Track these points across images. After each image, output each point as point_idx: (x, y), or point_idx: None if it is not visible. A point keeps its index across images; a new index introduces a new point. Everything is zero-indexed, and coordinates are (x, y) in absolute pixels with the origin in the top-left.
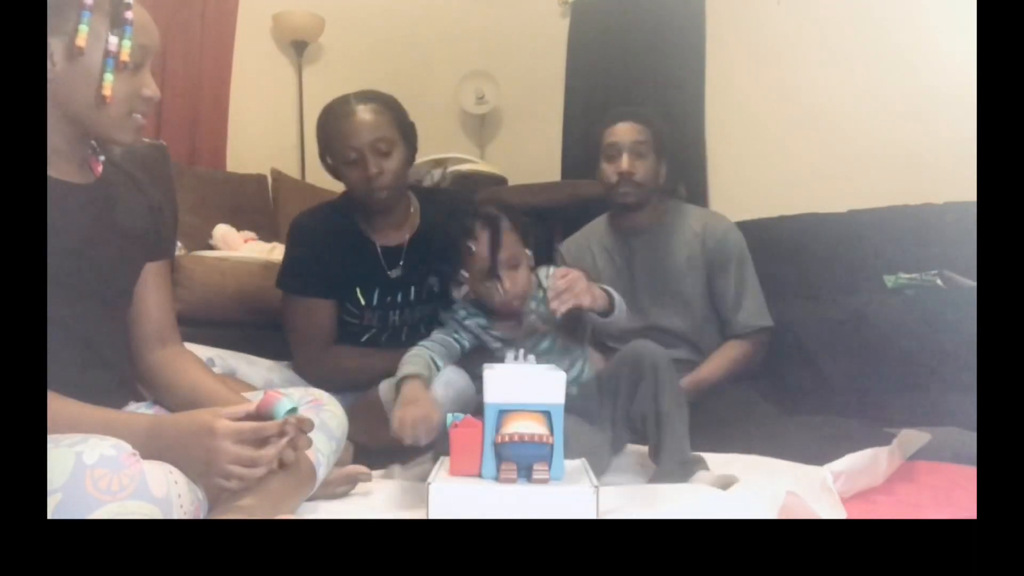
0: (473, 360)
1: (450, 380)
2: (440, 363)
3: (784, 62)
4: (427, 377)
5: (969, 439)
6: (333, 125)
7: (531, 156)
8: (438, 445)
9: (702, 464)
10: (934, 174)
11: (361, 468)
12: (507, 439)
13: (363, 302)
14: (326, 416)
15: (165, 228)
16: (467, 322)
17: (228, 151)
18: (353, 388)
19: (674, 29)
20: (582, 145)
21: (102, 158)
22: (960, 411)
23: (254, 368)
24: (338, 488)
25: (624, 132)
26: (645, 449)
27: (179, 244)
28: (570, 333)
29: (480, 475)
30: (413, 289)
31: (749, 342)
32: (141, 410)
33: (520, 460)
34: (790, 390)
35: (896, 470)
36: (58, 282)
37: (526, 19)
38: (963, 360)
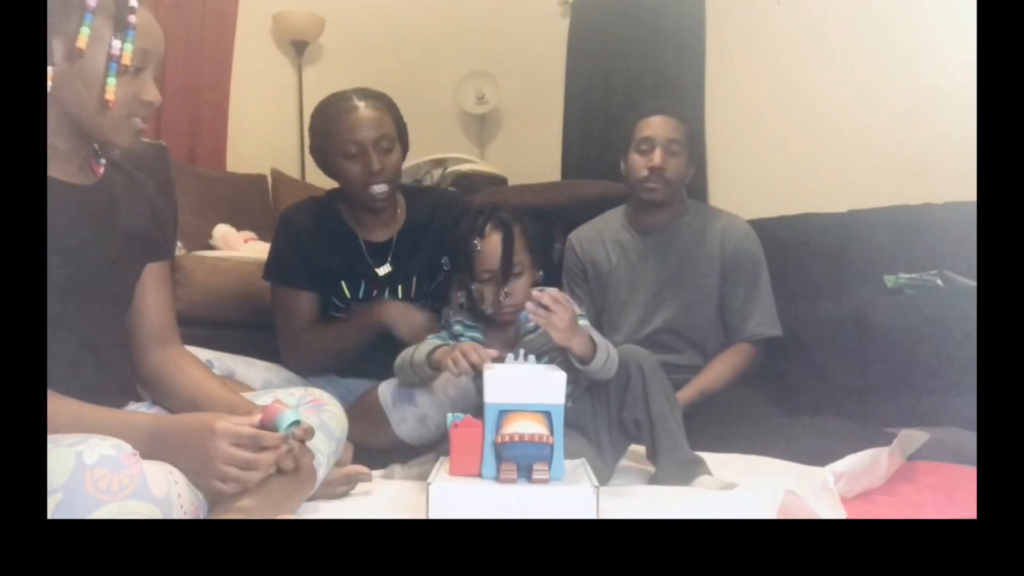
0: None
1: (449, 380)
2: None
3: (784, 62)
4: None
5: (969, 439)
6: (335, 119)
7: (531, 156)
8: (438, 445)
9: (704, 467)
10: (934, 174)
11: (361, 468)
12: (507, 439)
13: (348, 295)
14: (326, 416)
15: (165, 229)
16: (462, 339)
17: (228, 151)
18: (339, 368)
19: (674, 29)
20: (582, 145)
21: (103, 160)
22: (960, 411)
23: (253, 369)
24: (338, 488)
25: (660, 126)
26: (644, 450)
27: (179, 244)
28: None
29: (480, 475)
30: (400, 287)
31: (754, 349)
32: (141, 410)
33: (520, 460)
34: (790, 390)
35: (896, 470)
36: (58, 282)
37: (526, 19)
38: (963, 360)
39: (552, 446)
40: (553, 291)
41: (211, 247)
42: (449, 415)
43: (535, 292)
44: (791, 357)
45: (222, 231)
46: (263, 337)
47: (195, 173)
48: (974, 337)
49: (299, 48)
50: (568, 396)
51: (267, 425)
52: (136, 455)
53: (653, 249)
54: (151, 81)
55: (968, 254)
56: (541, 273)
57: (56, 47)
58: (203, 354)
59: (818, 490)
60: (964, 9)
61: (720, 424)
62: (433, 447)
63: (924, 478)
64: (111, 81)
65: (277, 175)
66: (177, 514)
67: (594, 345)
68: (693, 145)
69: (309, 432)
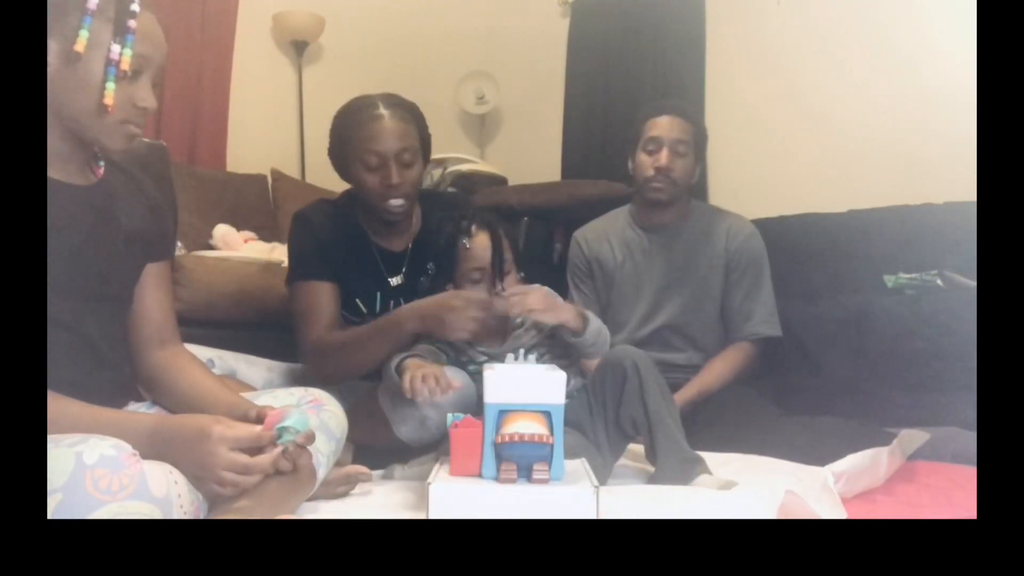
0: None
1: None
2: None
3: (784, 62)
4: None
5: (969, 439)
6: (358, 127)
7: (531, 156)
8: (438, 446)
9: (703, 466)
10: (934, 174)
11: (361, 468)
12: (507, 439)
13: (364, 310)
14: (326, 416)
15: (165, 229)
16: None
17: (228, 151)
18: (360, 376)
19: (674, 29)
20: (582, 145)
21: (102, 161)
22: (960, 411)
23: (254, 368)
24: (338, 488)
25: (668, 126)
26: (644, 450)
27: (179, 244)
28: (560, 346)
29: (480, 475)
30: (416, 297)
31: (753, 349)
32: (141, 410)
33: (520, 460)
34: (790, 390)
35: (896, 470)
36: (59, 283)
37: (526, 19)
38: (963, 360)
39: (552, 446)
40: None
41: (211, 247)
42: (449, 415)
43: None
44: (791, 357)
45: (222, 231)
46: (263, 337)
47: (195, 173)
48: (974, 337)
49: (299, 48)
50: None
51: (270, 428)
52: (136, 455)
53: (658, 247)
54: (148, 87)
55: (968, 254)
56: (523, 275)
57: (52, 48)
58: (204, 352)
59: (818, 490)
60: (964, 9)
61: (720, 424)
62: (433, 447)
63: (924, 478)
64: (110, 86)
65: (277, 175)
66: (177, 514)
67: (584, 316)
68: (700, 145)
69: (310, 438)
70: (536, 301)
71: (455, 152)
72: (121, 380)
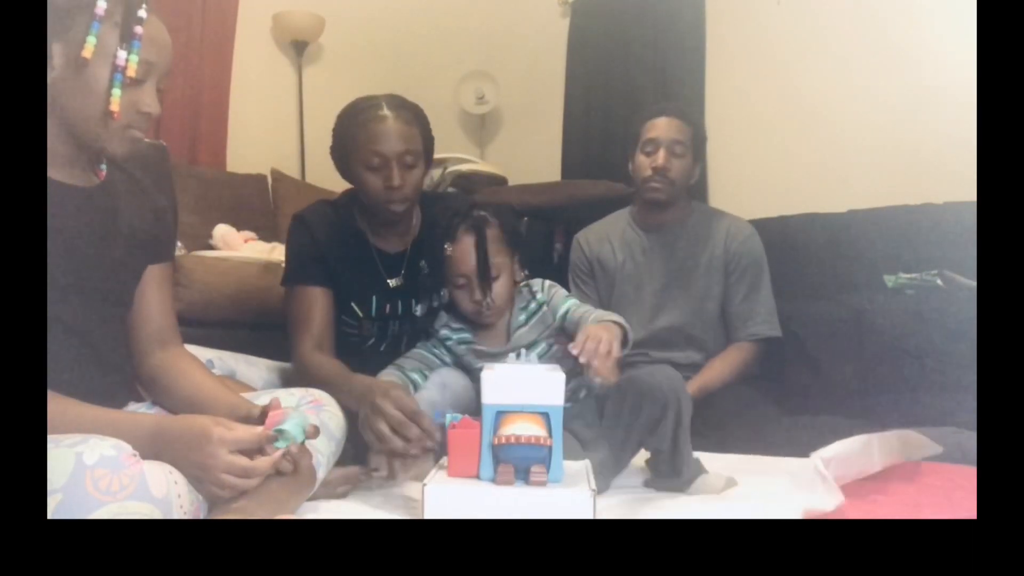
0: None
1: (447, 382)
2: (417, 378)
3: (784, 62)
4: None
5: (969, 439)
6: (361, 127)
7: (531, 156)
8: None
9: (700, 467)
10: (934, 174)
11: (361, 468)
12: (504, 441)
13: (361, 314)
14: (326, 416)
15: (167, 231)
16: (449, 342)
17: (228, 151)
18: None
19: (674, 29)
20: (582, 145)
21: (104, 165)
22: (960, 411)
23: (254, 369)
24: (338, 488)
25: (665, 128)
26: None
27: (179, 244)
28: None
29: (479, 477)
30: (414, 300)
31: (754, 348)
32: (141, 410)
33: (518, 462)
34: (790, 390)
35: (896, 469)
36: (60, 284)
37: (526, 19)
38: (963, 360)
39: (550, 448)
40: (582, 334)
41: (211, 247)
42: (447, 415)
43: (543, 295)
44: (791, 357)
45: (222, 231)
46: (263, 337)
47: (195, 173)
48: (974, 337)
49: (299, 48)
50: (568, 399)
51: (270, 429)
52: (136, 455)
53: (659, 247)
54: (153, 92)
55: (968, 254)
56: (526, 272)
57: (56, 52)
58: (204, 353)
59: (812, 477)
60: (964, 9)
61: (720, 424)
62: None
63: (924, 478)
64: (116, 92)
65: (277, 175)
66: (177, 514)
67: (623, 329)
68: (699, 146)
69: (314, 432)
70: (604, 368)
71: (455, 152)
72: (121, 381)
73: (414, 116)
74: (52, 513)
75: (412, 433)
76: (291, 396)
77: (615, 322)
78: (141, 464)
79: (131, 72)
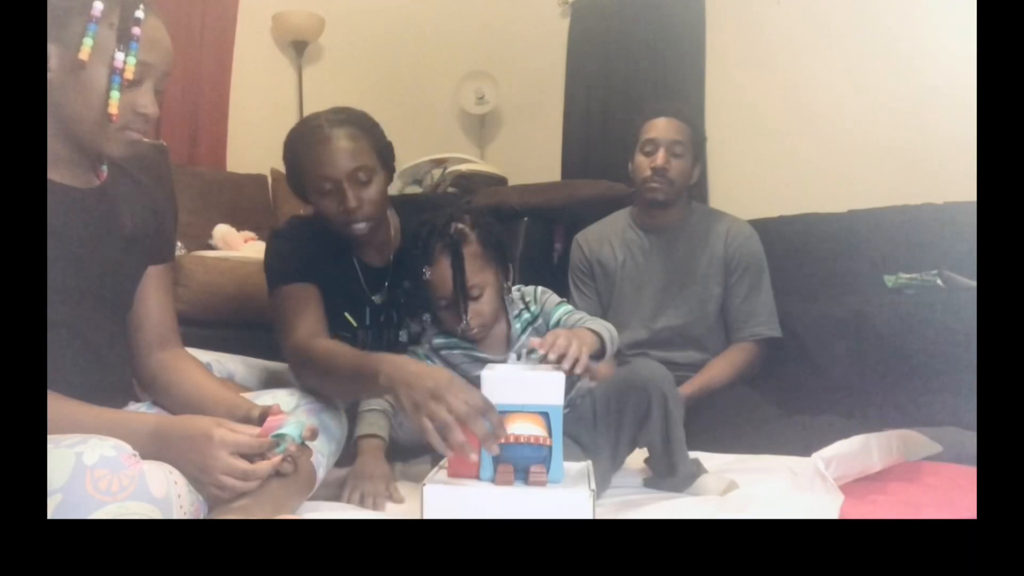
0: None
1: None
2: None
3: (784, 62)
4: (385, 439)
5: (969, 439)
6: (305, 153)
7: (531, 156)
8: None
9: (700, 467)
10: (934, 174)
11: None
12: (504, 440)
13: (355, 324)
14: (326, 417)
15: (167, 232)
16: (444, 351)
17: (228, 151)
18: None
19: (674, 29)
20: (582, 145)
21: (105, 166)
22: (960, 411)
23: (252, 370)
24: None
25: (664, 128)
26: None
27: (179, 244)
28: None
29: (479, 477)
30: (399, 315)
31: (755, 348)
32: (141, 410)
33: (517, 462)
34: (790, 390)
35: (896, 469)
36: (60, 285)
37: (526, 19)
38: (963, 360)
39: (550, 448)
40: (549, 333)
41: (211, 247)
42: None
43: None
44: (791, 357)
45: (222, 231)
46: (263, 337)
47: (195, 173)
48: (974, 337)
49: (299, 48)
50: (566, 403)
51: (267, 435)
52: (136, 456)
53: (659, 247)
54: (151, 93)
55: (968, 254)
56: (510, 283)
57: (53, 54)
58: (203, 356)
59: (812, 477)
60: (964, 9)
61: (720, 424)
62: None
63: (924, 478)
64: (114, 95)
65: (277, 175)
66: (177, 514)
67: (599, 336)
68: (699, 147)
69: (313, 435)
70: (576, 354)
71: (455, 152)
72: (121, 381)
73: (359, 128)
74: (52, 513)
75: (480, 429)
76: (291, 397)
77: (591, 329)
78: (141, 464)
79: (128, 74)
